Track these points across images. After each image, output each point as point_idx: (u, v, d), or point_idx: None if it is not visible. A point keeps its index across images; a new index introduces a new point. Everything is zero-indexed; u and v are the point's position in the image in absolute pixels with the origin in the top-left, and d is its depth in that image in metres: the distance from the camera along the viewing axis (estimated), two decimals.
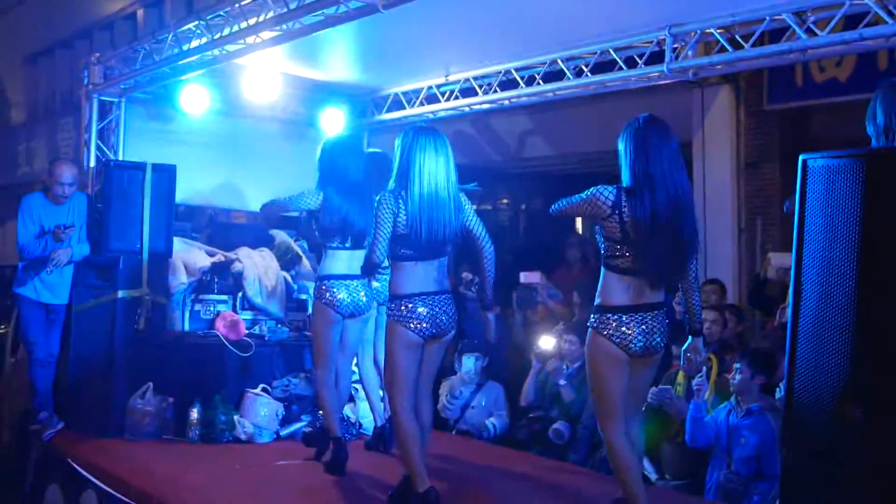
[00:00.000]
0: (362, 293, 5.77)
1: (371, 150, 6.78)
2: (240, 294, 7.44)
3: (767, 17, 5.69)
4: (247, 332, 7.21)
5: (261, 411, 6.78)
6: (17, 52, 14.95)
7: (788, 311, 3.74)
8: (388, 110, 8.47)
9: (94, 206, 7.14)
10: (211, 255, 7.59)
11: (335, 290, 5.70)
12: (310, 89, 8.37)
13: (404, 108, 8.27)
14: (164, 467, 5.90)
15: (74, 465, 6.12)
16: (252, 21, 6.11)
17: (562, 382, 6.98)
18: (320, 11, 5.64)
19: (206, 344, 7.05)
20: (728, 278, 8.81)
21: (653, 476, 6.15)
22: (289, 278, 7.81)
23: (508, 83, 7.37)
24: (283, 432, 6.85)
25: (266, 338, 7.26)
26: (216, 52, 6.63)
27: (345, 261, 5.67)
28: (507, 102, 7.62)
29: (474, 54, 7.27)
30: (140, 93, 7.84)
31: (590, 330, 4.38)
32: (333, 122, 8.54)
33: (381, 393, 6.25)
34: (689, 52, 6.22)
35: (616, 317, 4.28)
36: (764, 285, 7.69)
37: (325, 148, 5.93)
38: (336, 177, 5.77)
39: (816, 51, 5.73)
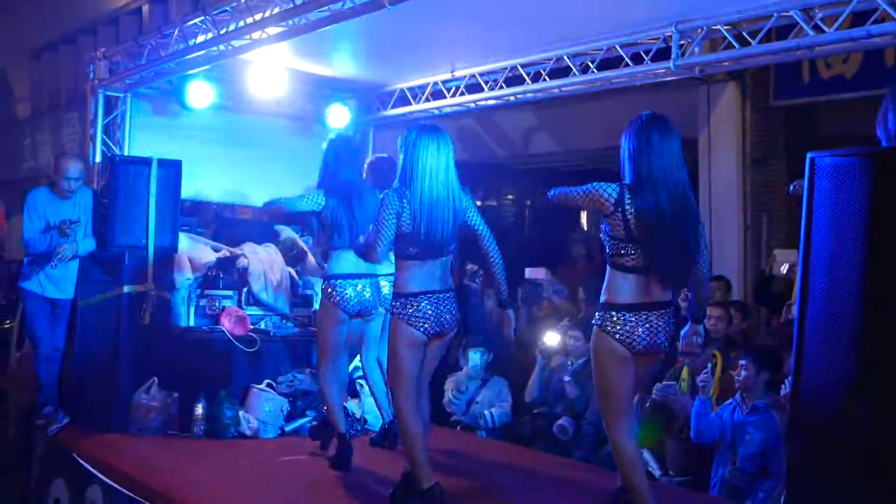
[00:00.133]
0: (368, 292, 5.80)
1: (378, 154, 6.78)
2: (245, 289, 7.45)
3: (775, 14, 5.66)
4: (252, 327, 7.22)
5: (265, 407, 6.79)
6: (21, 47, 14.95)
7: (795, 308, 3.73)
8: (394, 106, 8.45)
9: (100, 202, 7.14)
10: (216, 250, 7.60)
11: (342, 289, 5.73)
12: (315, 85, 8.36)
13: (410, 103, 8.26)
14: (168, 462, 5.91)
15: (79, 460, 6.13)
16: (258, 16, 6.11)
17: (566, 379, 6.98)
18: (326, 7, 5.63)
19: (212, 339, 7.06)
20: (734, 275, 8.81)
21: (657, 472, 6.15)
22: (294, 274, 7.81)
23: (514, 79, 7.35)
24: (288, 428, 6.85)
25: (271, 333, 7.26)
26: (222, 47, 6.61)
27: (351, 260, 5.68)
28: (512, 98, 7.61)
29: (480, 50, 7.25)
30: (146, 88, 7.83)
31: (594, 327, 4.38)
32: (339, 117, 8.53)
33: (386, 390, 6.26)
34: (696, 49, 6.20)
35: (621, 315, 4.27)
36: (769, 282, 7.69)
37: (329, 148, 5.98)
38: (339, 178, 5.83)
39: (824, 48, 5.71)
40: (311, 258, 7.93)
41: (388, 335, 4.95)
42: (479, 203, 14.02)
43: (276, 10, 5.92)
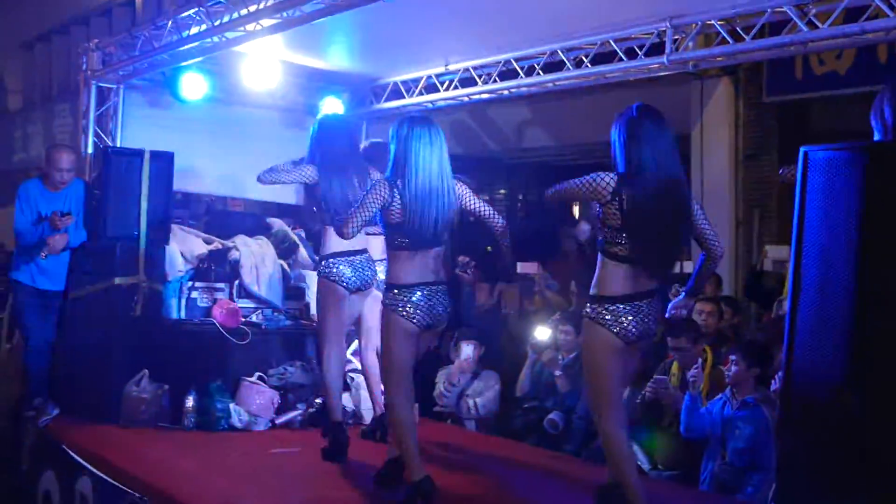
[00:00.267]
0: (365, 267, 5.76)
1: (373, 139, 6.75)
2: (237, 282, 7.44)
3: (769, 10, 5.67)
4: (243, 320, 7.21)
5: (256, 399, 6.78)
6: (13, 38, 14.92)
7: (787, 303, 3.73)
8: (388, 99, 8.44)
9: (92, 193, 7.13)
10: (208, 242, 7.58)
11: (340, 266, 5.70)
12: (309, 77, 8.35)
13: (403, 97, 8.25)
14: (159, 454, 5.90)
15: (69, 452, 6.11)
16: (252, 8, 6.09)
17: (557, 373, 6.99)
18: None
19: (203, 332, 7.05)
20: (725, 270, 8.82)
21: (646, 466, 6.16)
22: (286, 266, 7.80)
23: (508, 73, 7.35)
24: (279, 421, 6.85)
25: (263, 326, 7.26)
26: (216, 39, 6.60)
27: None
28: (506, 93, 7.61)
29: (474, 44, 7.25)
30: (139, 79, 7.81)
31: (586, 320, 4.37)
32: (332, 110, 8.52)
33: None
34: (690, 44, 6.21)
35: (613, 306, 4.27)
36: (760, 277, 7.71)
37: (322, 125, 5.90)
38: (331, 155, 5.73)
39: (817, 44, 5.71)
40: (302, 251, 7.92)
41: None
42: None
43: (270, 1, 5.91)
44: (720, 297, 7.56)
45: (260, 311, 7.41)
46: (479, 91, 7.62)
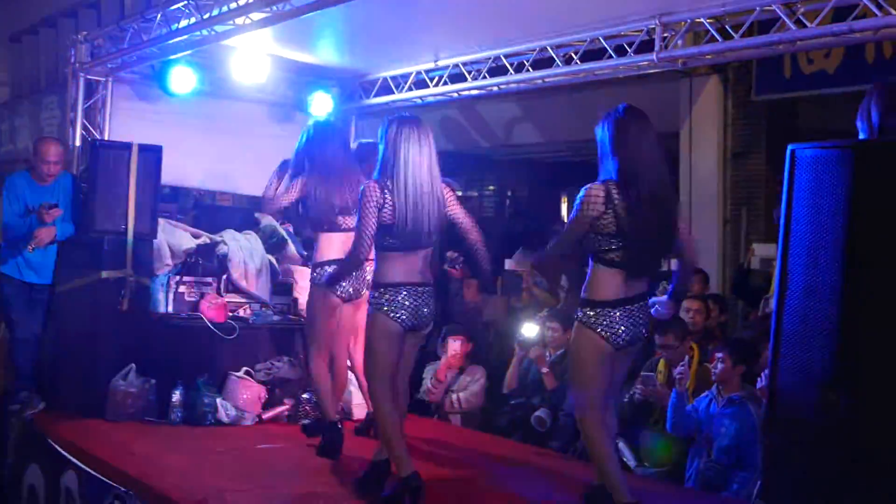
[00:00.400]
0: (360, 277, 5.74)
1: (362, 140, 6.76)
2: (224, 276, 7.42)
3: (757, 8, 5.69)
4: (231, 314, 7.19)
5: (243, 394, 6.78)
6: (1, 29, 14.85)
7: (774, 301, 3.75)
8: (377, 95, 8.43)
9: (79, 186, 7.10)
10: (196, 237, 7.56)
11: None
12: (298, 72, 8.33)
13: (392, 92, 8.24)
14: (145, 449, 5.88)
15: (55, 446, 6.09)
16: (241, 2, 6.08)
17: (544, 370, 7.00)
18: None
19: (190, 326, 7.03)
20: (712, 268, 8.86)
21: (632, 463, 6.18)
22: (274, 261, 7.79)
23: (498, 69, 7.35)
24: (266, 416, 6.84)
25: (250, 321, 7.24)
26: (205, 32, 6.58)
27: (339, 244, 5.66)
28: (496, 89, 7.61)
29: (464, 40, 7.25)
30: (127, 72, 7.78)
31: (576, 323, 4.38)
32: (321, 105, 8.50)
33: None
34: (679, 42, 6.22)
35: (605, 311, 4.27)
36: (748, 276, 7.74)
37: (308, 135, 5.94)
38: (322, 162, 5.78)
39: (806, 42, 5.73)
40: (291, 246, 7.91)
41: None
42: (459, 193, 14.02)
43: None
44: (707, 295, 7.58)
45: (248, 305, 7.40)
46: (469, 87, 7.62)
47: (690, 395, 6.00)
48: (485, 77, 7.43)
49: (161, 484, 5.06)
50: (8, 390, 7.20)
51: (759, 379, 5.59)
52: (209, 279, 7.38)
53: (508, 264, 8.53)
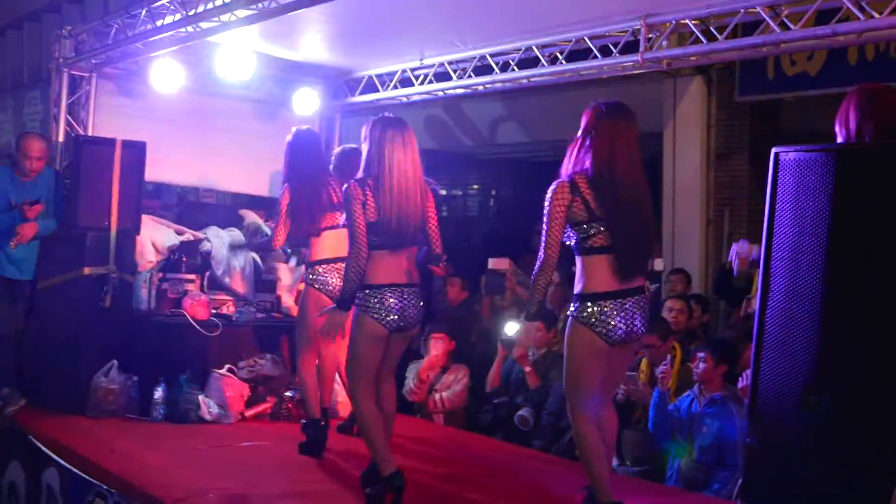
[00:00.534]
0: None
1: (346, 146, 6.77)
2: (208, 273, 7.41)
3: (742, 10, 5.71)
4: (214, 312, 7.18)
5: (226, 392, 6.76)
6: None
7: (756, 302, 3.77)
8: (362, 93, 8.42)
9: (62, 182, 7.07)
10: (179, 233, 7.55)
11: (326, 275, 5.75)
12: (283, 69, 8.31)
13: (378, 90, 8.23)
14: (127, 446, 5.87)
15: (36, 443, 6.07)
16: None
17: (527, 369, 7.01)
18: None
19: (173, 323, 7.02)
20: (694, 268, 8.89)
21: (613, 462, 6.20)
22: (257, 259, 7.78)
23: (483, 69, 7.35)
24: (249, 413, 6.83)
25: (233, 318, 7.24)
26: (190, 29, 6.55)
27: (330, 244, 5.67)
28: (481, 88, 7.61)
29: (449, 39, 7.25)
30: (111, 68, 7.74)
31: (570, 318, 4.36)
32: (306, 102, 8.47)
33: None
34: (664, 43, 6.24)
35: (597, 305, 4.25)
36: (730, 276, 7.77)
37: (292, 142, 6.05)
38: (305, 169, 5.91)
39: (789, 44, 5.75)
40: None
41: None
42: (443, 192, 14.05)
43: None
44: (690, 295, 7.62)
45: (231, 303, 7.39)
46: (454, 86, 7.61)
47: (672, 395, 6.04)
48: (470, 76, 7.44)
49: (143, 481, 5.05)
50: None
51: (740, 379, 5.61)
52: (192, 276, 7.37)
53: (492, 263, 8.52)
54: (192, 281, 7.36)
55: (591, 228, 4.26)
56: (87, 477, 5.35)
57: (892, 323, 3.34)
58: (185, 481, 5.14)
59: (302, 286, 7.03)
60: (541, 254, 4.34)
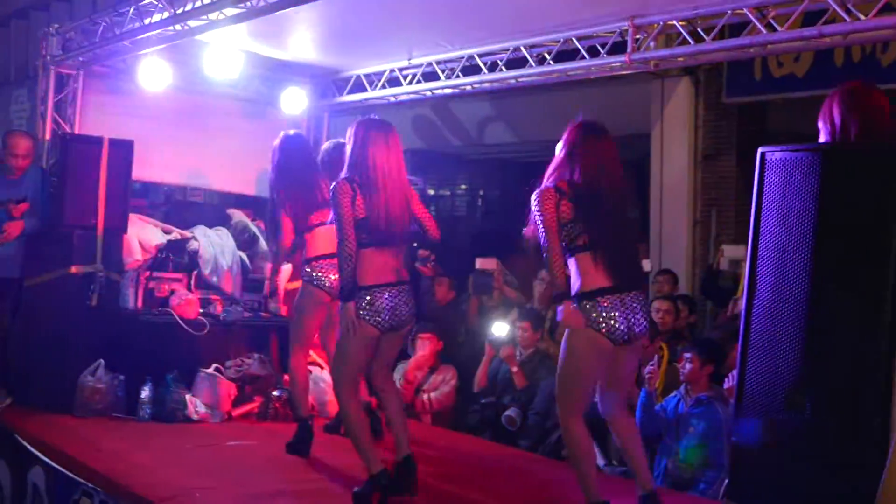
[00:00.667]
0: None
1: (336, 140, 6.76)
2: (195, 272, 7.39)
3: (729, 11, 5.73)
4: (201, 311, 7.17)
5: (213, 391, 6.76)
6: None
7: (742, 302, 3.79)
8: (350, 92, 8.41)
9: (49, 180, 7.04)
10: (167, 232, 7.53)
11: (323, 271, 5.75)
12: (271, 68, 8.29)
13: (366, 90, 8.22)
14: (113, 445, 5.86)
15: (22, 441, 6.05)
16: None
17: (514, 369, 7.02)
18: None
19: (160, 322, 7.00)
20: (681, 269, 8.91)
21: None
22: (245, 258, 7.77)
23: (471, 69, 7.36)
24: (236, 413, 6.82)
25: (221, 317, 7.23)
26: (178, 27, 6.54)
27: (324, 239, 5.67)
28: (469, 88, 7.61)
29: (438, 38, 7.25)
30: (99, 66, 7.71)
31: None
32: (294, 102, 8.46)
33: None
34: (651, 44, 6.26)
35: (595, 302, 4.25)
36: (717, 277, 7.80)
37: (280, 145, 6.11)
38: (293, 171, 5.97)
39: (776, 46, 5.78)
40: (262, 242, 7.89)
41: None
42: (431, 192, 14.05)
43: None
44: (676, 296, 7.64)
45: (218, 302, 7.37)
46: (442, 86, 7.61)
47: (659, 395, 6.05)
48: (458, 76, 7.44)
49: (129, 481, 5.04)
50: None
51: (726, 379, 5.63)
52: (180, 275, 7.36)
53: (479, 263, 8.52)
54: (179, 280, 7.34)
55: (577, 227, 4.29)
56: (73, 476, 5.34)
57: (877, 321, 3.36)
58: (172, 480, 5.13)
59: (290, 286, 7.05)
60: (543, 244, 4.35)
